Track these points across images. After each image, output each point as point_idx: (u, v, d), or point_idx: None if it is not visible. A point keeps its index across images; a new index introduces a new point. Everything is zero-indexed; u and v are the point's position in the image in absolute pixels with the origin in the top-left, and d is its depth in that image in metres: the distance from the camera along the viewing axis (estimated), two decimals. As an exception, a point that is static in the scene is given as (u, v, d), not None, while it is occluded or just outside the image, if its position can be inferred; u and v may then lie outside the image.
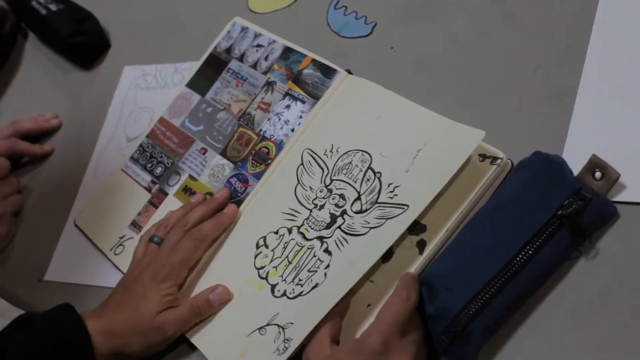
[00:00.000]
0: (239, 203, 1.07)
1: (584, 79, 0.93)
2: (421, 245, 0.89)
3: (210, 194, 1.11)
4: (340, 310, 0.88)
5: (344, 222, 0.95)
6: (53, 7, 1.42)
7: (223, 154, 1.13)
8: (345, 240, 0.94)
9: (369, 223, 0.93)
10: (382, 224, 0.91)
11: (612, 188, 0.83)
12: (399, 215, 0.90)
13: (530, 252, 0.81)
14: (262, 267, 0.99)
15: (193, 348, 1.00)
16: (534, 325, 0.82)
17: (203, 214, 1.06)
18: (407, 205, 0.90)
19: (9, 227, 1.26)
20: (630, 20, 0.95)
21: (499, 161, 0.89)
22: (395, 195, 0.92)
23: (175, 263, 1.00)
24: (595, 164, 0.84)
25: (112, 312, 0.99)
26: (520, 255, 0.81)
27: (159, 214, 1.14)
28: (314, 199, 1.00)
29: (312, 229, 0.98)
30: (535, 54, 0.99)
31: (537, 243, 0.81)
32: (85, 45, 1.42)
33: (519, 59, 0.99)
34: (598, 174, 0.84)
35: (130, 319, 0.98)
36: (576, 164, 0.85)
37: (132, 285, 1.01)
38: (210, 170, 1.13)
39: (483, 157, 0.90)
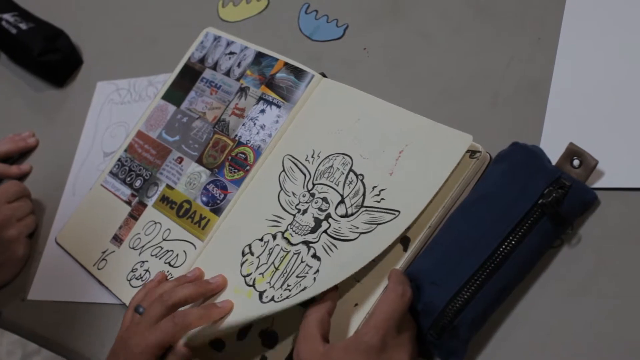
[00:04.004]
0: (219, 210, 1.07)
1: (557, 69, 0.94)
2: (405, 242, 0.89)
3: (188, 201, 1.11)
4: (328, 308, 0.87)
5: (329, 227, 0.95)
6: (23, 25, 1.42)
7: (199, 161, 1.13)
8: (334, 246, 0.93)
9: (357, 228, 0.92)
10: (372, 230, 0.91)
11: (591, 175, 0.84)
12: (390, 221, 0.90)
13: (513, 242, 0.81)
14: (248, 275, 0.98)
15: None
16: (521, 315, 0.83)
17: (190, 295, 0.99)
18: (398, 211, 0.90)
19: (25, 248, 1.24)
20: (599, 9, 0.96)
21: (477, 154, 0.89)
22: (383, 199, 0.92)
23: (150, 343, 0.94)
24: (572, 151, 0.84)
25: None
26: (504, 247, 0.82)
27: (138, 226, 1.14)
28: (297, 204, 1.00)
29: (296, 233, 0.97)
30: (508, 47, 0.99)
31: (520, 233, 0.82)
32: (57, 62, 1.42)
33: (492, 53, 1.00)
34: (576, 162, 0.84)
35: None
36: (554, 153, 0.85)
37: None
38: (187, 178, 1.13)
39: None
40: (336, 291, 0.89)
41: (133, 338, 0.95)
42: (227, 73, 1.18)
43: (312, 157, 1.02)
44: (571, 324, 0.80)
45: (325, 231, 0.95)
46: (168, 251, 1.09)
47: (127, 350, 0.94)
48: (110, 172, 1.22)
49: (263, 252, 0.99)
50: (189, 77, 1.22)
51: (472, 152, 0.90)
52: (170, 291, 0.99)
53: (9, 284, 1.24)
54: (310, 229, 0.96)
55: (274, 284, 0.95)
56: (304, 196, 0.99)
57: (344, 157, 0.98)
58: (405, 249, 0.89)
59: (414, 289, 0.84)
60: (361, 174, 0.96)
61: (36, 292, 1.21)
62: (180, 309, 0.98)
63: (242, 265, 1.00)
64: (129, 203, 1.17)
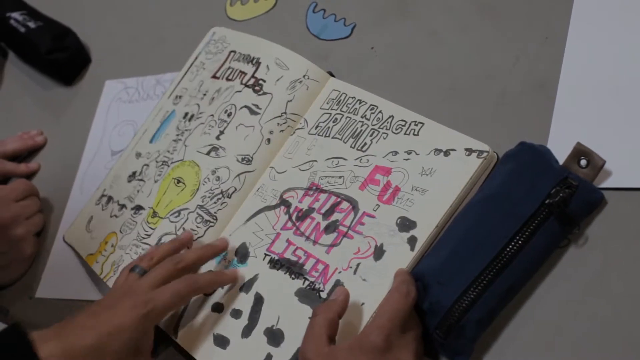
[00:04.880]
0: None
1: (565, 68, 0.94)
2: (412, 241, 0.89)
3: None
4: (339, 310, 0.85)
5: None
6: (32, 24, 1.42)
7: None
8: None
9: None
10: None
11: (598, 175, 0.84)
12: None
13: (520, 242, 0.81)
14: None
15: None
16: (527, 315, 0.83)
17: (199, 258, 1.00)
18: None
19: (33, 246, 1.24)
20: (606, 8, 0.96)
21: (485, 154, 0.89)
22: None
23: (163, 301, 0.92)
24: (580, 151, 0.84)
25: (76, 336, 0.88)
26: (510, 246, 0.81)
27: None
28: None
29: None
30: (515, 46, 0.99)
31: (527, 233, 0.82)
32: (65, 61, 1.42)
33: (499, 52, 1.00)
34: (583, 162, 0.84)
35: (97, 349, 0.88)
36: (561, 153, 0.85)
37: (105, 312, 0.91)
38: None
39: (469, 151, 0.90)
40: (348, 294, 0.89)
41: (134, 296, 0.92)
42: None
43: None
44: (578, 324, 0.80)
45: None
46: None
47: (134, 305, 0.91)
48: (118, 170, 1.23)
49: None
50: (196, 76, 1.23)
51: (479, 152, 0.90)
52: (181, 255, 0.99)
53: (17, 282, 1.24)
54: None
55: None
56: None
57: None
58: (412, 249, 0.89)
59: (420, 289, 0.84)
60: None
61: (44, 290, 1.22)
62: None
63: None
64: (136, 201, 1.19)
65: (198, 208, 1.07)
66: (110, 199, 1.19)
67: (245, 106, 1.11)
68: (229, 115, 1.11)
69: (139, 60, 1.38)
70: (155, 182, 1.14)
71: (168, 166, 1.14)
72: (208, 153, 1.10)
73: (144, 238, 1.10)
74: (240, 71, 1.14)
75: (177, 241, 1.03)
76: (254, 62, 1.14)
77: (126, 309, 0.91)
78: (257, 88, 1.11)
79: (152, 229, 1.10)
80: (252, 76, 1.13)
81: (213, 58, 1.20)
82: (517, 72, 0.97)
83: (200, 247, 1.02)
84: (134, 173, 1.18)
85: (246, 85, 1.13)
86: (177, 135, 1.16)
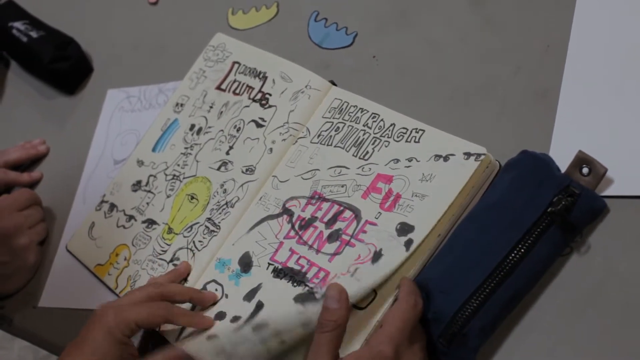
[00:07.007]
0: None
1: (566, 77, 0.94)
2: (408, 243, 0.88)
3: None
4: (344, 321, 0.82)
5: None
6: (34, 34, 1.43)
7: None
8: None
9: None
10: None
11: (600, 183, 0.84)
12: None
13: (522, 250, 0.82)
14: None
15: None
16: (530, 323, 0.83)
17: (180, 292, 1.00)
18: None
19: (36, 256, 1.24)
20: (607, 16, 0.96)
21: (482, 157, 0.89)
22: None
23: (134, 314, 0.94)
24: (581, 159, 0.84)
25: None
26: (513, 255, 0.82)
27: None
28: None
29: None
30: (516, 54, 0.99)
31: (529, 241, 0.82)
32: (67, 70, 1.42)
33: (501, 60, 1.00)
34: (585, 170, 0.84)
35: None
36: (563, 161, 0.85)
37: (86, 332, 0.95)
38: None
39: (468, 155, 0.90)
40: (347, 295, 0.86)
41: (110, 311, 0.95)
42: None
43: None
44: (581, 333, 0.80)
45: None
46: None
47: (101, 322, 0.94)
48: (121, 179, 1.23)
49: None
50: (198, 85, 1.24)
51: (477, 155, 0.89)
52: (165, 284, 1.01)
53: (21, 292, 1.24)
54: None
55: None
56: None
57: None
58: (407, 249, 0.88)
59: (423, 298, 0.84)
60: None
61: (47, 300, 1.22)
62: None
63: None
64: (139, 210, 1.19)
65: (206, 221, 1.07)
66: (113, 206, 1.19)
67: (253, 120, 1.11)
68: (237, 130, 1.12)
69: (141, 69, 1.38)
70: (168, 197, 1.15)
71: (180, 181, 1.14)
72: (219, 168, 1.11)
73: (160, 254, 1.10)
74: (248, 85, 1.15)
75: (175, 272, 1.05)
76: (261, 76, 1.15)
77: (100, 325, 0.94)
78: (263, 102, 1.12)
79: (168, 245, 1.10)
80: (260, 91, 1.14)
81: (214, 67, 1.21)
82: (519, 81, 0.97)
83: (188, 287, 1.03)
84: (139, 182, 1.18)
85: (254, 100, 1.14)
86: (186, 148, 1.16)
